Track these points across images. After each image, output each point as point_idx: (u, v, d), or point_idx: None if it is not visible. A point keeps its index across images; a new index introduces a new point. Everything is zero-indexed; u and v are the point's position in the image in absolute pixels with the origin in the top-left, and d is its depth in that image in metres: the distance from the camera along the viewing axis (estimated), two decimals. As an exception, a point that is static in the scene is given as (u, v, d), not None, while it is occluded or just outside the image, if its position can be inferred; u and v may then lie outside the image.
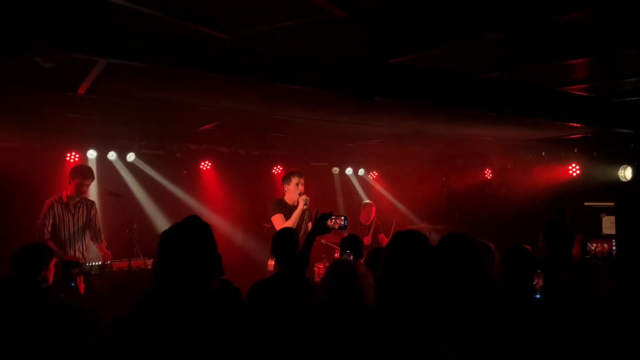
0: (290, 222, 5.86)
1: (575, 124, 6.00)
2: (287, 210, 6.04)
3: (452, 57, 4.10)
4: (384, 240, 7.79)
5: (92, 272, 5.57)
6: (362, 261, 4.48)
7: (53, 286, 3.87)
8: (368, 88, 4.30)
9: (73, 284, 3.72)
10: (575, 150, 7.82)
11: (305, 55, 4.08)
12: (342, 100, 4.54)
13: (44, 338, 3.16)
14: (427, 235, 7.57)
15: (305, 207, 5.93)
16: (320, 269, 7.08)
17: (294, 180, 6.07)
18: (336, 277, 3.16)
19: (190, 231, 2.08)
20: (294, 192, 6.07)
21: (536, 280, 3.27)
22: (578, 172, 7.78)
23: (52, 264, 3.82)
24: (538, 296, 3.26)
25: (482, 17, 3.34)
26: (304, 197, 5.96)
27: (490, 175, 9.26)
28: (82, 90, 4.77)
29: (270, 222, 6.12)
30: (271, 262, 5.37)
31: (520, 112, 5.41)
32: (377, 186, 10.08)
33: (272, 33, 3.53)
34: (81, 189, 5.93)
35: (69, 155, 7.25)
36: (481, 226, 7.60)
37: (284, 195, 6.22)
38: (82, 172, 5.97)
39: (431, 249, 2.72)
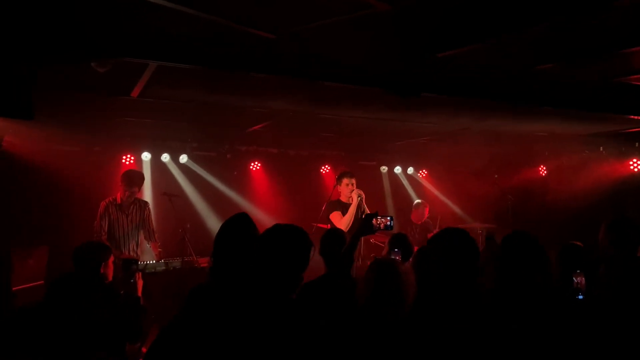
0: (348, 217, 6.23)
1: (636, 117, 5.72)
2: (342, 207, 6.39)
3: (504, 48, 3.96)
4: (432, 239, 7.66)
5: (147, 270, 5.76)
6: (410, 260, 4.42)
7: (113, 283, 4.02)
8: (415, 84, 4.24)
9: (133, 281, 3.84)
10: (637, 145, 7.46)
11: (349, 52, 4.05)
12: (388, 97, 4.50)
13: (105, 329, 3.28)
14: (481, 235, 7.46)
15: (359, 199, 6.27)
16: (369, 268, 7.04)
17: (345, 180, 6.46)
18: (377, 276, 3.14)
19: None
20: (345, 191, 6.44)
21: (577, 279, 3.12)
22: (640, 167, 7.41)
23: (110, 261, 3.97)
24: (580, 297, 3.12)
25: (534, 5, 3.23)
26: (357, 191, 6.32)
27: (545, 172, 8.96)
28: (135, 93, 4.92)
29: (328, 220, 6.39)
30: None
31: (577, 106, 5.20)
32: (427, 185, 9.93)
33: (316, 31, 3.52)
34: (125, 195, 6.12)
35: (124, 157, 7.51)
36: (535, 225, 7.35)
37: (339, 196, 6.57)
38: (127, 181, 6.15)
39: (473, 249, 2.62)
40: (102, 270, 3.89)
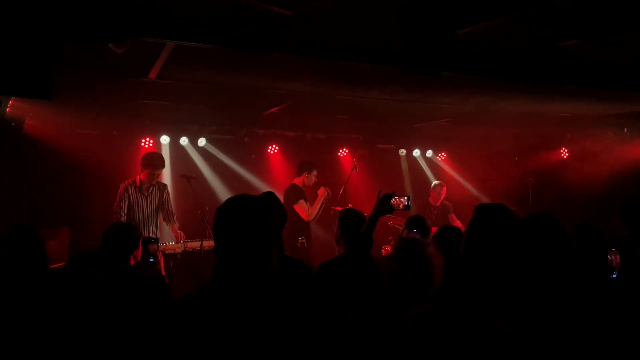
0: (315, 210, 6.63)
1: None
2: (304, 196, 6.66)
3: (526, 24, 3.85)
4: (455, 221, 7.61)
5: (167, 252, 5.82)
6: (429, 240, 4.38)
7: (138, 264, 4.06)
8: (434, 62, 4.16)
9: (152, 260, 3.86)
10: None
11: (367, 30, 3.99)
12: (407, 77, 4.43)
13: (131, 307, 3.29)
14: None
15: (327, 197, 6.71)
16: (387, 251, 7.03)
17: (315, 172, 6.87)
18: (404, 255, 3.10)
19: (241, 209, 2.00)
20: (311, 181, 6.84)
21: (612, 257, 3.06)
22: (665, 149, 7.25)
23: (140, 242, 4.00)
24: (614, 275, 3.06)
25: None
26: (327, 189, 6.71)
27: (566, 154, 8.81)
28: (152, 75, 4.93)
29: (290, 207, 6.46)
30: (302, 240, 6.16)
31: (601, 84, 5.08)
32: (446, 168, 9.82)
33: (333, 8, 3.47)
34: (153, 177, 6.15)
35: (143, 141, 7.55)
36: (556, 208, 7.24)
37: (297, 181, 6.87)
38: (153, 163, 6.14)
39: (517, 224, 2.54)
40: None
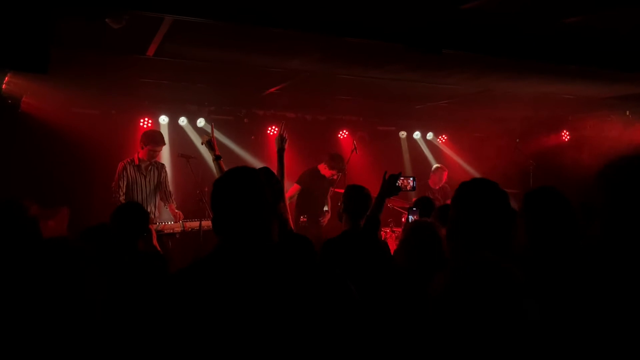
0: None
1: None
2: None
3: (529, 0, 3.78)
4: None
5: (166, 231, 5.81)
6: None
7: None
8: (436, 39, 4.09)
9: (145, 234, 3.83)
10: (666, 108, 7.24)
11: (369, 5, 3.92)
12: (408, 55, 4.37)
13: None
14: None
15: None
16: (387, 233, 7.01)
17: (340, 174, 7.04)
18: (417, 238, 3.09)
19: (237, 181, 1.97)
20: (331, 176, 7.02)
21: None
22: (668, 132, 7.20)
23: None
24: None
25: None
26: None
27: (568, 137, 8.76)
28: (150, 52, 4.86)
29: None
30: (303, 219, 6.55)
31: (605, 64, 5.00)
32: (447, 150, 9.79)
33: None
34: (153, 155, 6.12)
35: (142, 120, 7.51)
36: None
37: (323, 169, 7.04)
38: (154, 139, 6.13)
39: (504, 198, 2.50)
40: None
